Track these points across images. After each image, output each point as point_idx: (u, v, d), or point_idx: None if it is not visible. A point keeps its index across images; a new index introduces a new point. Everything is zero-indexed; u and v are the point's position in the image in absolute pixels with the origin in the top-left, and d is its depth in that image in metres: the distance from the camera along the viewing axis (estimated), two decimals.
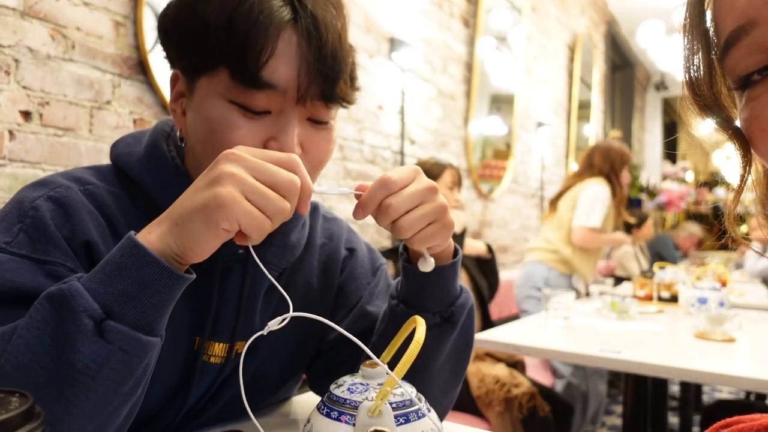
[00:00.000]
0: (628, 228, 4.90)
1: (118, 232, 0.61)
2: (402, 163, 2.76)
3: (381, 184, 0.54)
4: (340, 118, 2.36)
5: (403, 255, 0.67)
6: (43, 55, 1.38)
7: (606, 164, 2.86)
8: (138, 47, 1.59)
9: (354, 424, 0.48)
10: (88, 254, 0.58)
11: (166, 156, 0.65)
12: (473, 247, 2.27)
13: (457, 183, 2.21)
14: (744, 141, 0.37)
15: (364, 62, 2.47)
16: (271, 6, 0.56)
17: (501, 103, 3.91)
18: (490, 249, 2.34)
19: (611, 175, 2.84)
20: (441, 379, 0.70)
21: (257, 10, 0.55)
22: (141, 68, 1.61)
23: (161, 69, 1.63)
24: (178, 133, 0.66)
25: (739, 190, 0.38)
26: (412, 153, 2.86)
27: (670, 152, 8.20)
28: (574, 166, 5.12)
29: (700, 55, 0.37)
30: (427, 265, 0.61)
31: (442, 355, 0.68)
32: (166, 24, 0.62)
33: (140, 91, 1.62)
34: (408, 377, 0.53)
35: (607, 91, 6.15)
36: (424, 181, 0.56)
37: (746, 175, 0.37)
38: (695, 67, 0.37)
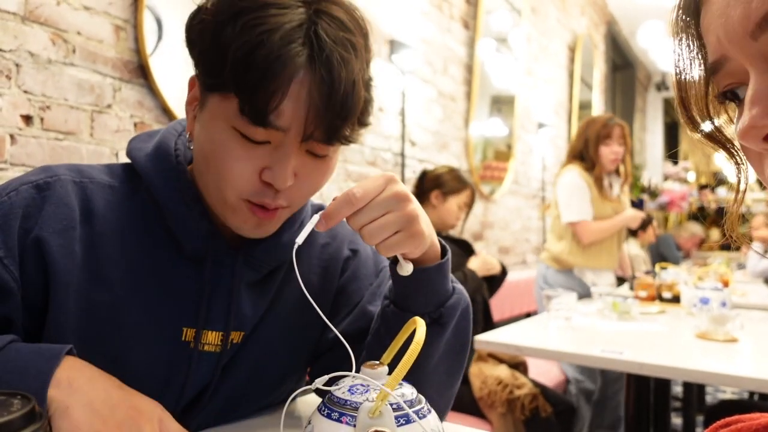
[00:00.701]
0: (633, 233, 4.87)
1: (93, 225, 0.64)
2: (403, 165, 2.76)
3: (345, 201, 0.55)
4: None
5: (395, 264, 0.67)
6: (43, 59, 1.39)
7: (580, 142, 2.63)
8: (138, 51, 1.60)
9: (354, 425, 0.48)
10: (36, 251, 0.61)
11: (170, 153, 0.68)
12: (491, 267, 2.23)
13: (470, 205, 2.16)
14: (737, 150, 0.39)
15: None
16: (289, 49, 0.55)
17: (502, 104, 3.92)
18: (503, 268, 2.29)
19: (584, 153, 2.60)
20: (435, 380, 0.70)
21: (276, 54, 0.55)
22: (141, 72, 1.61)
23: (162, 72, 1.64)
24: (187, 135, 0.68)
25: (739, 198, 0.40)
26: (413, 155, 2.86)
27: (672, 152, 8.19)
28: None
29: (692, 67, 0.38)
30: (404, 269, 0.62)
31: (435, 357, 0.68)
32: (192, 33, 0.62)
33: (141, 95, 1.62)
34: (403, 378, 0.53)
35: (608, 91, 6.15)
36: (394, 189, 0.57)
37: (745, 183, 0.39)
38: (687, 79, 0.39)
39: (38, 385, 0.49)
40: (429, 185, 2.15)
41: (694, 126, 0.40)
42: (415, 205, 0.59)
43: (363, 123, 0.64)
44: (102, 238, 0.64)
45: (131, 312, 0.64)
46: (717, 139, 0.39)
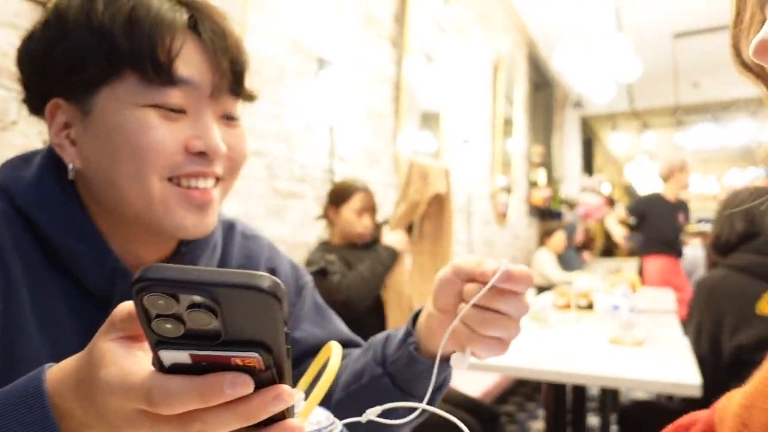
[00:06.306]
0: (541, 238, 5.17)
1: (7, 264, 0.57)
2: (332, 182, 2.77)
3: (527, 277, 0.54)
4: (269, 137, 2.34)
5: (410, 337, 0.65)
6: None
7: None
8: None
9: None
10: None
11: (58, 181, 0.60)
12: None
13: (368, 209, 2.03)
14: None
15: (292, 82, 2.47)
16: (166, 8, 0.58)
17: (429, 120, 4.02)
18: None
19: None
20: None
21: (154, 12, 0.57)
22: None
23: None
24: (70, 167, 0.60)
25: None
26: (342, 172, 2.88)
27: (588, 166, 8.71)
28: (501, 180, 5.33)
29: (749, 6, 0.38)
30: (463, 362, 0.57)
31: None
32: (35, 54, 0.59)
33: None
34: None
35: (529, 109, 6.47)
36: (527, 302, 0.58)
37: None
38: (742, 21, 0.38)
39: None
40: (325, 205, 2.11)
41: (749, 70, 0.39)
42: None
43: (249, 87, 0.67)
44: (12, 275, 0.57)
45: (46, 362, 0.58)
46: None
